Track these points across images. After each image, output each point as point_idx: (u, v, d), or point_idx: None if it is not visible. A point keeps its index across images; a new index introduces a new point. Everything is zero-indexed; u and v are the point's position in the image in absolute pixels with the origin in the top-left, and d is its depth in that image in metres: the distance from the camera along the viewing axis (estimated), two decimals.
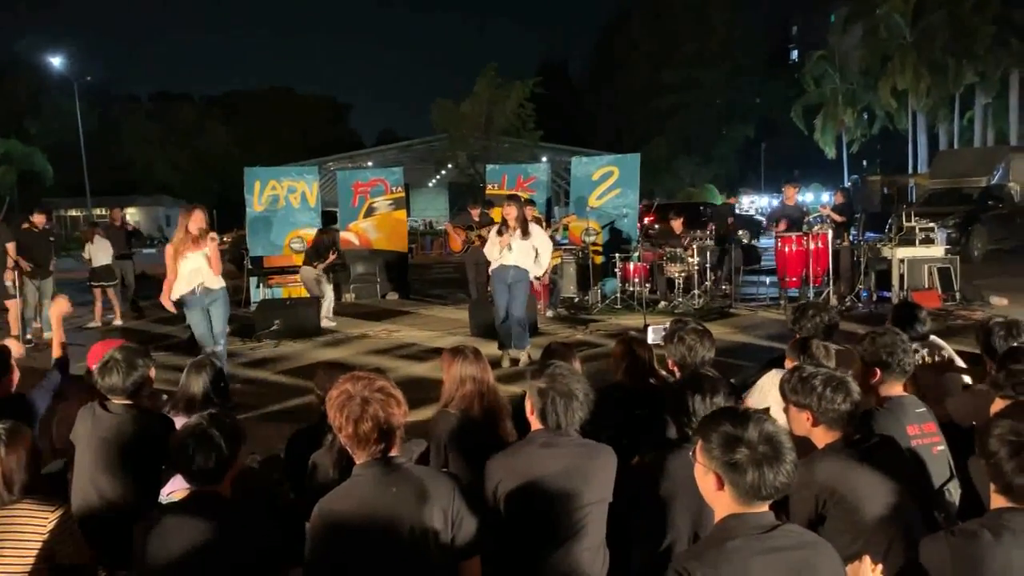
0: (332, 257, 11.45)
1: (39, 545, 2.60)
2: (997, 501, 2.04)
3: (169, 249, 6.89)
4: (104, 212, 41.14)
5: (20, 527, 2.61)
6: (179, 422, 3.60)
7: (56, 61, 42.82)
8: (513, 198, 8.10)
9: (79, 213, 48.47)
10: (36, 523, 2.62)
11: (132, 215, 53.40)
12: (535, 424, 2.87)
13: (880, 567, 2.25)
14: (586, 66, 62.17)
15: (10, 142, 40.37)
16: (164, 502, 3.35)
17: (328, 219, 16.03)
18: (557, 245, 11.36)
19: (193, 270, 6.80)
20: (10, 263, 9.87)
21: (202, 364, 4.08)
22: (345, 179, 14.87)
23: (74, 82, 41.01)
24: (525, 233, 7.77)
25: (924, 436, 3.00)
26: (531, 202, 11.64)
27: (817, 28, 43.04)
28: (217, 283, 6.98)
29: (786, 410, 2.82)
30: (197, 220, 6.78)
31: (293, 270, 12.36)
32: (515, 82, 32.31)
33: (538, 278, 8.99)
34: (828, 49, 38.53)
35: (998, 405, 2.84)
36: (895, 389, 3.16)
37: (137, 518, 2.58)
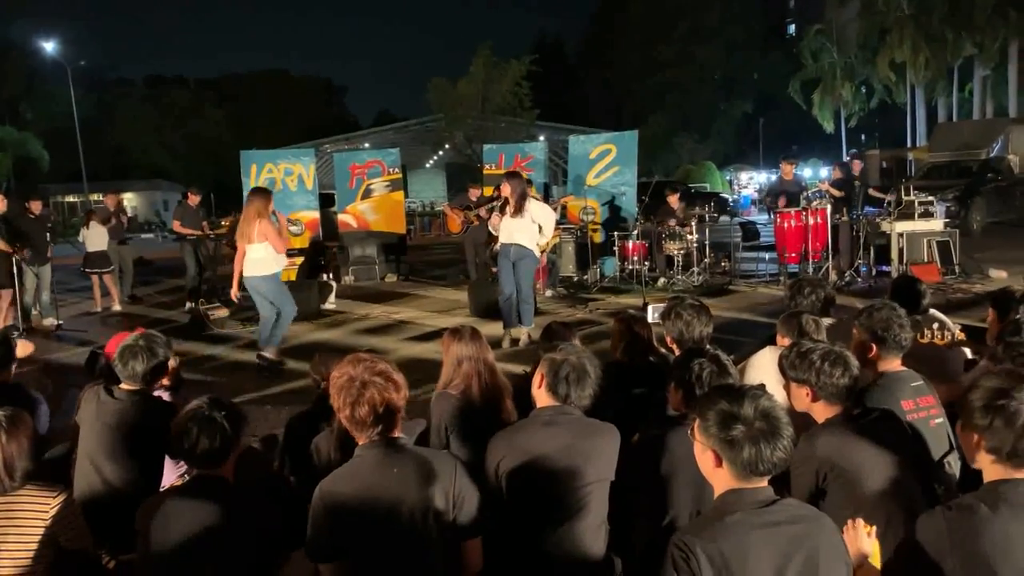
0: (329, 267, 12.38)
1: (41, 531, 2.61)
2: (992, 472, 2.04)
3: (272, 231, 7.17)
4: (99, 197, 41.10)
5: (23, 513, 2.62)
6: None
7: (49, 46, 42.54)
8: (512, 174, 8.03)
9: (76, 199, 48.36)
10: (38, 509, 2.63)
11: (129, 200, 53.31)
12: (542, 399, 2.88)
13: (873, 529, 2.28)
14: (582, 43, 61.75)
15: (5, 128, 40.20)
16: (166, 487, 3.36)
17: (326, 201, 16.00)
18: (555, 224, 11.33)
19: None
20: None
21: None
22: (342, 161, 14.82)
23: (68, 67, 40.73)
24: (520, 210, 7.68)
25: (920, 410, 3.00)
26: (529, 182, 11.58)
27: (814, 2, 42.71)
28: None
29: (786, 386, 2.83)
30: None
31: (291, 253, 12.39)
32: (511, 61, 32.13)
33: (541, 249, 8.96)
34: (826, 23, 38.28)
35: None
36: (892, 364, 3.15)
37: (139, 503, 2.59)
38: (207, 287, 11.81)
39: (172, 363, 3.87)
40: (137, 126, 54.62)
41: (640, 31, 49.46)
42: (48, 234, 10.73)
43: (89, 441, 3.38)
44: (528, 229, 7.69)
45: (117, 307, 11.74)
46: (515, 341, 7.88)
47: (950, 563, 1.91)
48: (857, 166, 12.45)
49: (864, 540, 2.27)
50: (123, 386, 3.49)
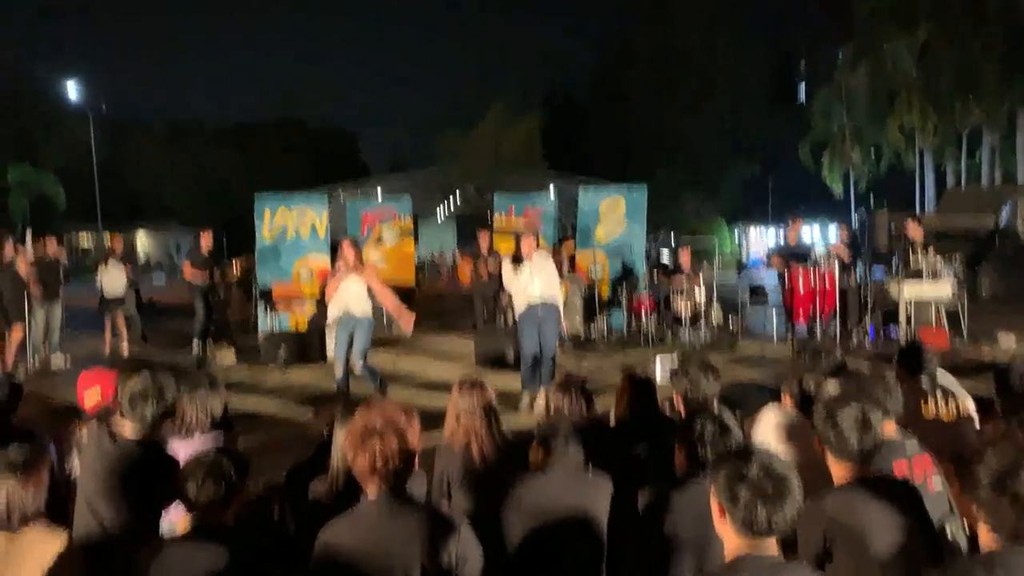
0: None
1: (40, 574, 2.60)
2: (990, 540, 2.01)
3: (331, 276, 7.95)
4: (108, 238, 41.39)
5: (24, 554, 2.61)
6: (181, 446, 3.59)
7: (71, 89, 43.35)
8: (531, 232, 8.18)
9: (89, 237, 48.83)
10: (39, 551, 2.62)
11: (141, 241, 53.76)
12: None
13: None
14: (590, 96, 62.27)
15: (23, 167, 40.71)
16: (166, 529, 3.35)
17: (337, 247, 16.08)
18: (562, 278, 11.37)
19: (347, 296, 7.63)
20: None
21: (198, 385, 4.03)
22: (354, 208, 14.96)
23: (89, 114, 41.44)
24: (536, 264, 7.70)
25: (916, 474, 3.00)
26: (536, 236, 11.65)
27: (824, 64, 43.13)
28: (360, 310, 7.67)
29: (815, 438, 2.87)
30: (349, 254, 7.73)
31: (301, 302, 12.51)
32: (525, 115, 32.56)
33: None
34: (835, 86, 38.67)
35: None
36: (885, 428, 3.13)
37: (138, 549, 2.58)
38: (215, 328, 11.87)
39: (219, 404, 4.01)
40: (152, 170, 55.21)
41: (648, 85, 49.91)
42: (61, 273, 10.82)
43: (89, 484, 3.34)
44: (548, 280, 7.69)
45: (127, 349, 11.77)
46: (534, 402, 7.72)
47: None
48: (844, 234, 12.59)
49: None
50: (125, 432, 3.42)
